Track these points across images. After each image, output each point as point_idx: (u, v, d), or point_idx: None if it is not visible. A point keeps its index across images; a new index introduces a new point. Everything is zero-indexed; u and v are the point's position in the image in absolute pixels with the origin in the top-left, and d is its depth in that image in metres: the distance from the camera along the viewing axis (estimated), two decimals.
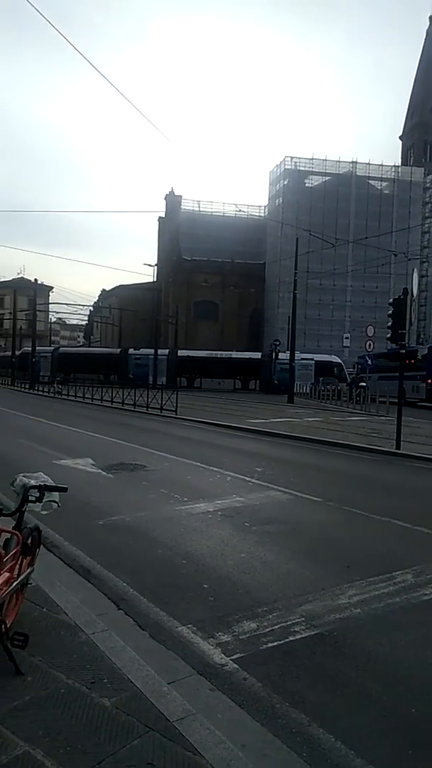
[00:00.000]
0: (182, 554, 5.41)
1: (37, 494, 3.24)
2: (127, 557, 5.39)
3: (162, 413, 20.66)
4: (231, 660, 3.39)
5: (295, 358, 41.34)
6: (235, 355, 44.03)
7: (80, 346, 70.43)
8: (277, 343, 39.08)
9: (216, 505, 7.32)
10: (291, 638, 3.72)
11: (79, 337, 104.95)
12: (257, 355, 43.40)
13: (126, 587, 4.51)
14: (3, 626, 2.94)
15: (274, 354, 37.84)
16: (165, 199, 67.21)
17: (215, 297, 63.10)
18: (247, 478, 9.16)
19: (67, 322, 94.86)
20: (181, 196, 66.05)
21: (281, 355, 40.56)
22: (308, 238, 34.05)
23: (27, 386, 38.02)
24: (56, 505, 3.36)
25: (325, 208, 53.85)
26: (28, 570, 3.49)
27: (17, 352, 47.83)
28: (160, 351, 43.83)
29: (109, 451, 11.82)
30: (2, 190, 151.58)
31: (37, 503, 3.26)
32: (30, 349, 42.36)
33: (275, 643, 3.64)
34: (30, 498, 3.23)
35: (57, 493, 3.31)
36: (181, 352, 44.42)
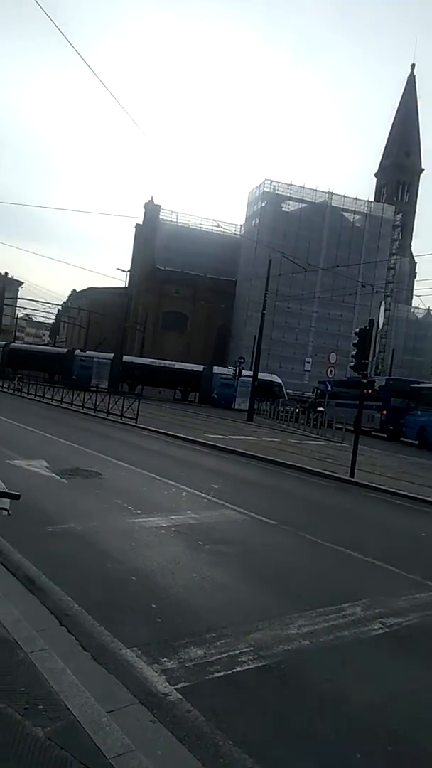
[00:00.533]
0: (132, 570, 5.23)
1: None
2: (74, 569, 5.18)
3: (122, 420, 20.34)
4: (175, 689, 3.24)
5: (92, 356, 42.09)
6: (177, 365, 43.96)
7: (33, 345, 68.88)
8: (242, 360, 39.25)
9: (170, 520, 7.16)
10: (238, 668, 3.60)
11: (44, 335, 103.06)
12: (199, 367, 43.48)
13: (71, 602, 4.31)
14: None
15: (237, 371, 38.01)
16: (144, 206, 67.12)
17: (185, 309, 63.11)
18: (203, 495, 9.03)
19: (34, 320, 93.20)
20: (160, 206, 66.13)
21: (218, 370, 42.25)
22: (280, 261, 34.49)
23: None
24: (6, 512, 3.15)
25: (299, 233, 54.86)
26: None
27: None
28: (104, 355, 43.60)
29: (64, 454, 11.50)
30: None
31: None
32: None
33: (221, 673, 3.51)
34: None
35: (8, 500, 3.12)
36: (125, 358, 44.16)
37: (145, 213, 66.80)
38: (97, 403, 22.84)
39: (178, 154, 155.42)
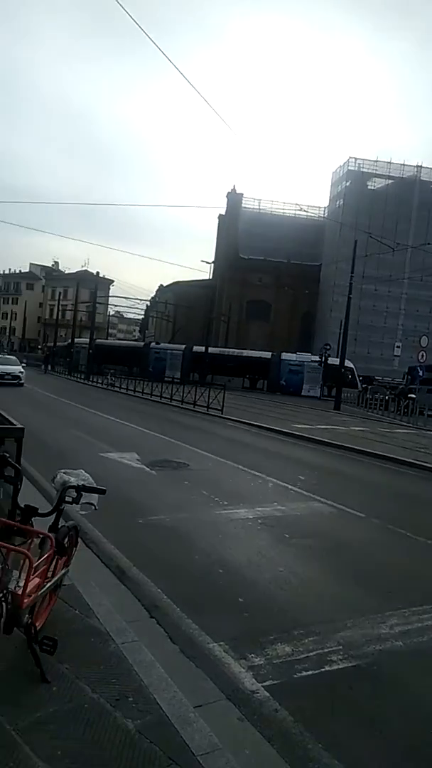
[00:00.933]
0: (219, 562, 5.28)
1: (75, 495, 3.16)
2: (163, 560, 5.32)
3: (208, 411, 20.60)
4: (263, 686, 3.22)
5: (305, 360, 41.18)
6: (246, 353, 43.71)
7: (114, 341, 71.31)
8: (328, 347, 38.41)
9: (256, 511, 7.16)
10: (327, 668, 3.53)
11: (135, 330, 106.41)
12: (267, 354, 42.80)
13: (160, 594, 4.42)
14: (33, 629, 2.88)
15: (323, 358, 37.18)
16: (226, 196, 67.09)
17: (268, 297, 62.57)
18: (290, 486, 8.94)
19: (125, 316, 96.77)
20: (242, 194, 65.78)
21: (286, 356, 41.48)
22: (366, 242, 33.24)
23: (82, 377, 38.93)
24: (94, 507, 3.28)
25: (387, 211, 52.36)
26: (63, 571, 3.44)
27: (63, 344, 49.58)
28: (176, 346, 44.29)
29: (154, 446, 11.83)
30: (74, 186, 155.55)
31: (74, 504, 3.19)
32: (73, 341, 43.77)
33: (310, 672, 3.45)
34: (67, 499, 3.16)
35: (96, 495, 3.23)
36: (195, 348, 44.29)
37: (227, 203, 66.82)
38: (184, 395, 23.25)
39: (260, 141, 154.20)
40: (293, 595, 4.69)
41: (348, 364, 42.28)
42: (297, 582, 4.98)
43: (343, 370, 40.62)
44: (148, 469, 9.30)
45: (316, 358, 40.39)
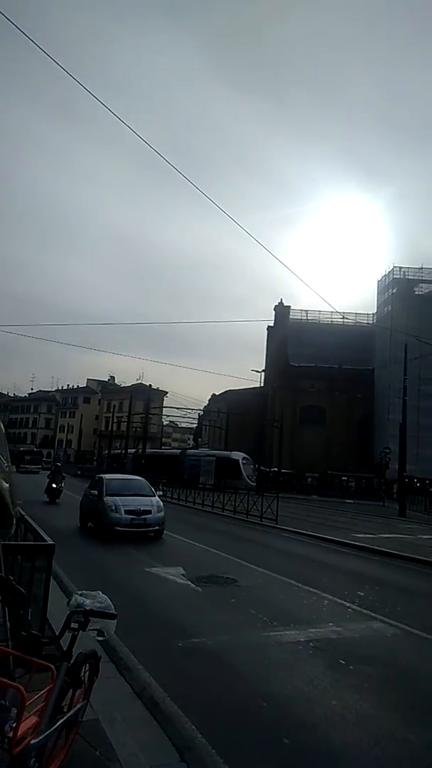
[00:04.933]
0: (264, 694, 4.73)
1: (81, 619, 2.89)
2: (202, 691, 4.84)
3: (261, 521, 19.83)
4: None
5: (200, 454, 44.49)
6: (166, 452, 47.25)
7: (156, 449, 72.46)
8: (388, 450, 37.24)
9: (308, 634, 6.52)
10: None
11: (189, 439, 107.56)
12: (176, 451, 46.18)
13: (195, 732, 3.94)
14: None
15: (383, 462, 35.91)
16: (274, 309, 69.77)
17: (322, 402, 62.34)
18: (347, 603, 8.20)
19: (179, 425, 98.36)
20: (289, 307, 68.20)
21: (191, 452, 46.77)
22: (420, 345, 33.20)
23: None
24: (103, 635, 3.00)
25: None
26: (80, 705, 3.12)
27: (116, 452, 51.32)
28: (207, 452, 45.53)
29: (201, 560, 11.33)
30: (129, 306, 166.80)
31: (81, 631, 2.90)
32: (119, 451, 45.19)
33: None
34: (72, 625, 2.89)
35: (111, 621, 2.95)
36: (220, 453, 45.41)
37: (275, 315, 69.30)
38: (247, 505, 22.08)
39: (303, 254, 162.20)
40: (348, 737, 4.07)
41: (235, 455, 41.76)
42: (353, 720, 4.36)
43: (229, 461, 40.75)
44: (193, 585, 8.82)
45: (211, 452, 43.59)
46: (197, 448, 72.65)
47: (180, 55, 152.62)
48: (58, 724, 2.72)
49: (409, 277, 57.77)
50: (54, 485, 23.25)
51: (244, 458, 44.01)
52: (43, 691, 2.50)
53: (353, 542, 15.31)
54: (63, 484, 23.91)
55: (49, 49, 10.29)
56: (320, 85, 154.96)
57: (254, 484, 37.98)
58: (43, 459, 65.78)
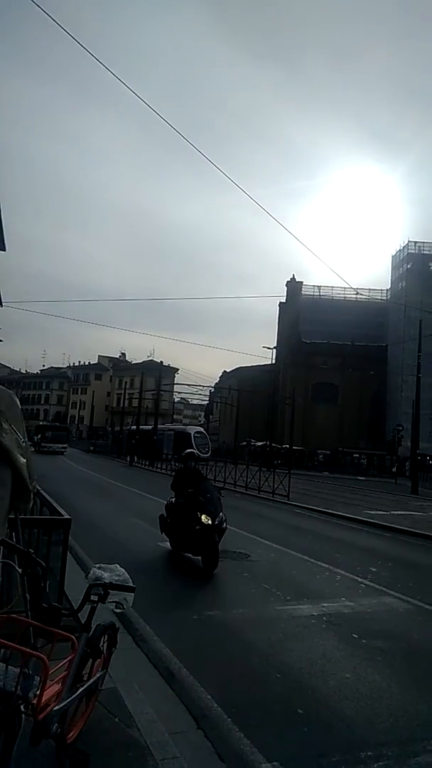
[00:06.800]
0: (278, 666, 4.81)
1: (101, 592, 2.95)
2: (217, 662, 4.93)
3: (273, 497, 19.96)
4: None
5: (164, 429, 46.93)
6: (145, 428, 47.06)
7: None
8: (400, 428, 37.14)
9: (321, 608, 6.60)
10: None
11: (200, 416, 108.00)
12: (148, 427, 46.48)
13: (210, 701, 4.03)
14: (62, 741, 2.64)
15: (396, 439, 35.87)
16: (286, 285, 69.13)
17: (335, 379, 62.12)
18: (360, 579, 8.28)
19: (190, 402, 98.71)
20: (302, 282, 67.55)
21: (161, 427, 46.96)
22: None
23: (146, 463, 39.32)
24: (123, 606, 3.05)
25: None
26: (99, 674, 3.19)
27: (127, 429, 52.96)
28: (170, 426, 49.57)
29: None
30: (139, 282, 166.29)
31: (100, 603, 2.96)
32: (138, 428, 46.06)
33: None
34: (92, 597, 2.94)
35: (130, 593, 3.00)
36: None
37: (287, 291, 68.67)
38: (259, 481, 22.25)
39: (316, 227, 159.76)
40: (361, 708, 4.14)
41: (191, 429, 46.83)
42: (366, 691, 4.43)
43: (186, 434, 41.73)
44: None
45: (170, 426, 47.21)
46: (208, 425, 72.87)
47: (192, 20, 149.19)
48: (79, 691, 2.79)
49: (425, 252, 56.88)
50: None
51: (197, 432, 48.91)
52: (64, 661, 2.56)
53: (365, 519, 15.39)
54: None
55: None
56: (335, 52, 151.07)
57: (206, 455, 38.12)
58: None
